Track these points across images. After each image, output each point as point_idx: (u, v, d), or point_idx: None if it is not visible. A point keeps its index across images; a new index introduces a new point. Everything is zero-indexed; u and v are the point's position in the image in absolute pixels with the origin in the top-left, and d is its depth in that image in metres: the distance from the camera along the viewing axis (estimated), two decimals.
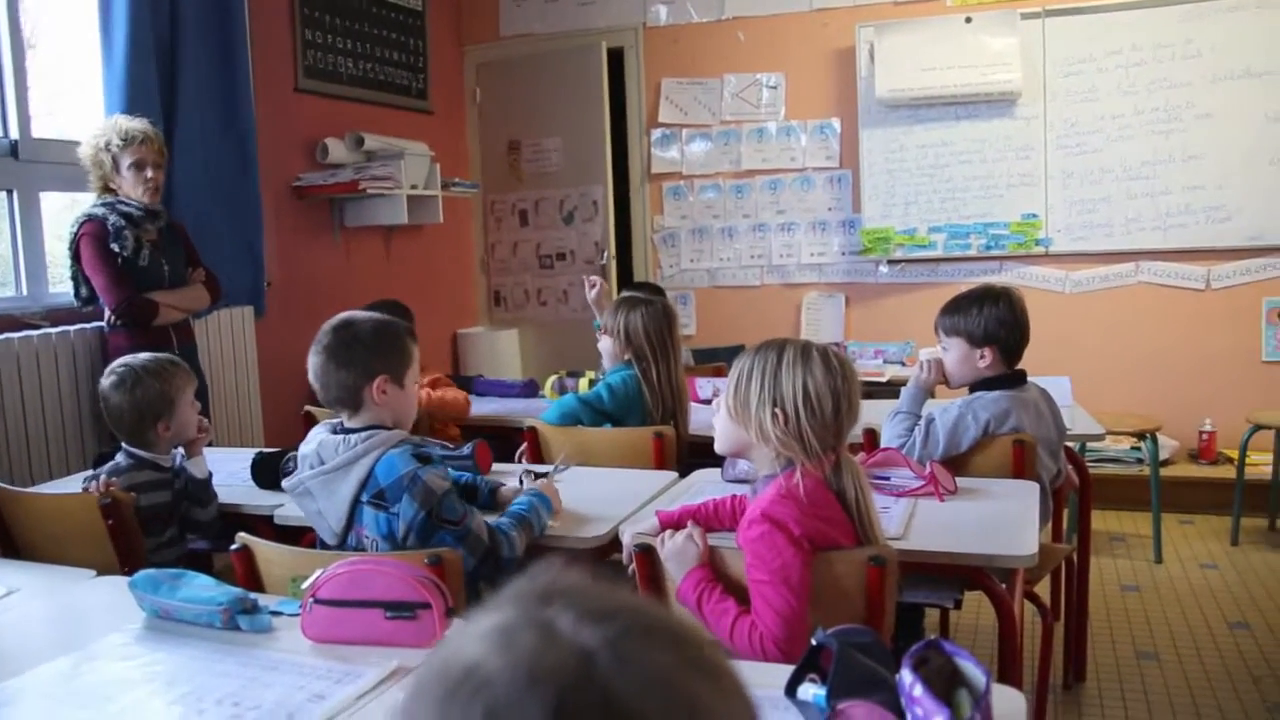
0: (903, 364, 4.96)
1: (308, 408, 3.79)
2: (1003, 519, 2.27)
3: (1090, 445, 4.90)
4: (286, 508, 2.59)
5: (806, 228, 5.76)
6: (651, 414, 3.29)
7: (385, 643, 1.68)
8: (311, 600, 1.74)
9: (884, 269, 5.62)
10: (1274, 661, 3.48)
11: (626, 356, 3.36)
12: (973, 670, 1.32)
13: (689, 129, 5.95)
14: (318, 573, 1.76)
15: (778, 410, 1.85)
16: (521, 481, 2.52)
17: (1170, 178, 5.14)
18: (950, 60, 5.30)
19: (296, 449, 2.57)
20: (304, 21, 5.01)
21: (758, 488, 1.94)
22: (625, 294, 3.68)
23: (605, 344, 3.41)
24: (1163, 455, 5.03)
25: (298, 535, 2.51)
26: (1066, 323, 5.33)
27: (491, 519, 2.19)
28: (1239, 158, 5.04)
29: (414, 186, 5.31)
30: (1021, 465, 2.67)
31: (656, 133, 6.00)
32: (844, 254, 5.69)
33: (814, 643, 1.42)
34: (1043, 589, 3.48)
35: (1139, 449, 4.96)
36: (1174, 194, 5.14)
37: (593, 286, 3.96)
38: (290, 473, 2.66)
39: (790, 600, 1.74)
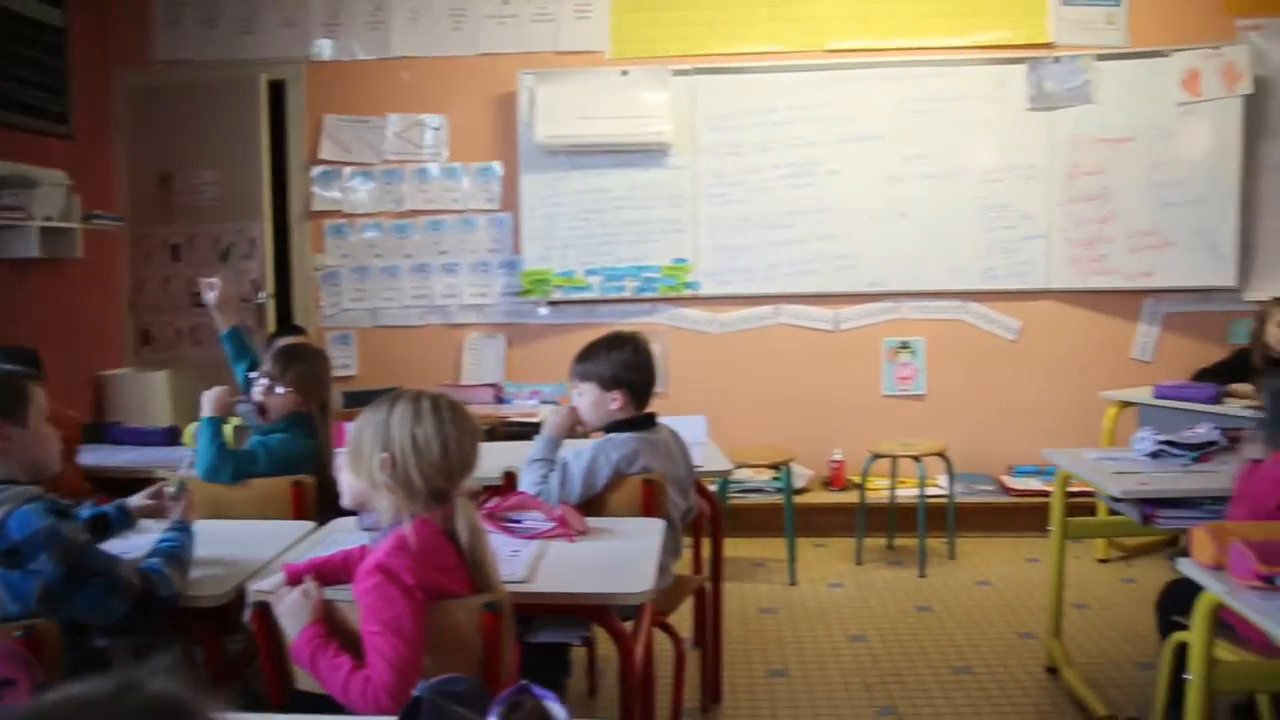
0: (556, 404, 5.11)
1: None
2: (626, 556, 2.40)
3: (734, 476, 5.24)
4: None
5: (468, 268, 5.83)
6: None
7: None
8: None
9: (543, 310, 5.78)
10: (884, 668, 3.84)
11: (304, 410, 3.28)
12: (558, 712, 1.40)
13: (351, 167, 5.88)
14: None
15: (385, 456, 1.90)
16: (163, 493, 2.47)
17: (805, 228, 5.61)
18: (607, 110, 5.54)
19: None
20: None
21: (377, 539, 1.97)
22: (290, 342, 3.58)
23: (281, 397, 3.29)
24: (799, 484, 5.46)
25: None
26: (715, 361, 5.70)
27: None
28: (862, 212, 5.58)
29: (49, 218, 4.95)
30: (651, 503, 2.82)
31: (318, 170, 5.89)
32: (505, 295, 5.80)
33: (414, 695, 1.47)
34: (686, 617, 3.69)
35: (779, 479, 5.34)
36: (808, 243, 5.61)
37: (211, 289, 3.84)
38: None
39: (403, 650, 1.77)
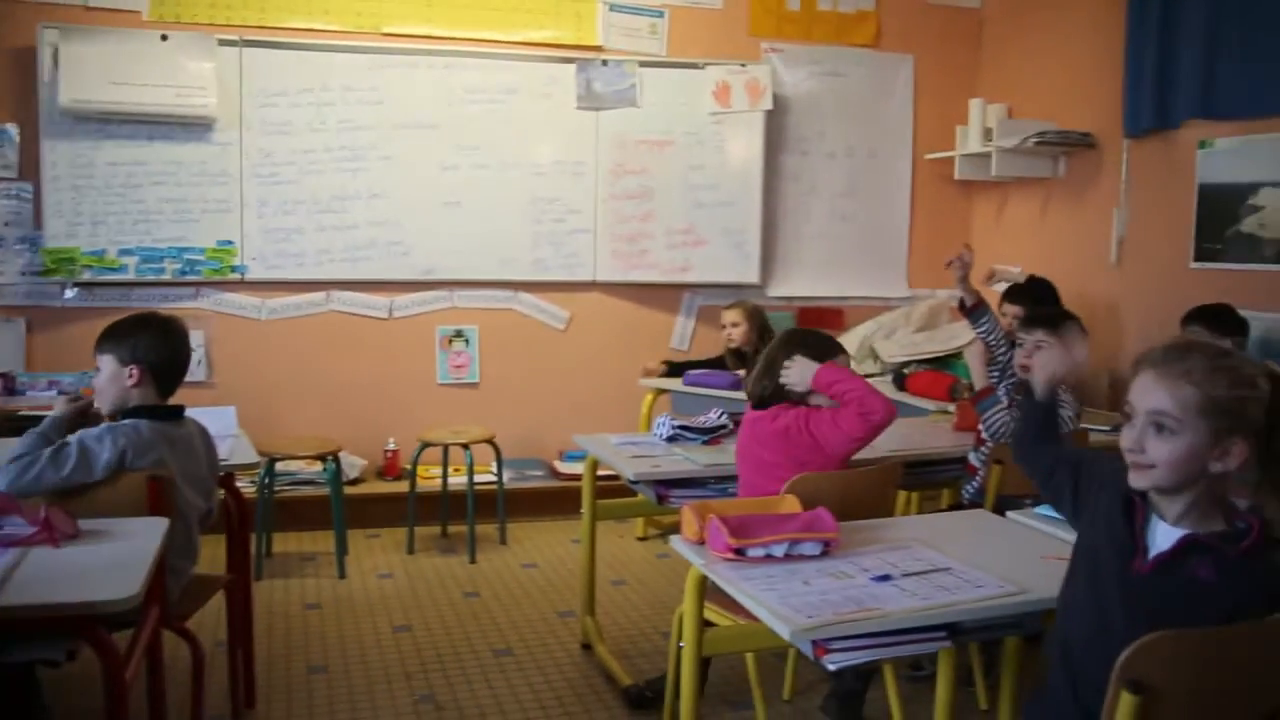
0: (80, 396, 4.67)
1: None
2: (117, 560, 2.23)
3: (283, 468, 5.06)
4: None
5: None
6: None
7: None
8: None
9: (70, 292, 5.25)
10: (426, 656, 3.87)
11: None
12: None
13: None
14: None
15: None
16: None
17: (357, 213, 5.50)
18: (144, 77, 5.13)
19: None
20: None
21: None
22: None
23: None
24: (352, 474, 5.37)
25: None
26: (263, 349, 5.46)
27: None
28: (416, 199, 5.57)
29: None
30: (157, 502, 2.64)
31: None
32: (24, 275, 5.20)
33: None
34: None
35: (327, 470, 5.22)
36: (361, 229, 5.51)
37: None
38: None
39: None
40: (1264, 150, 4.43)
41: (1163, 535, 1.83)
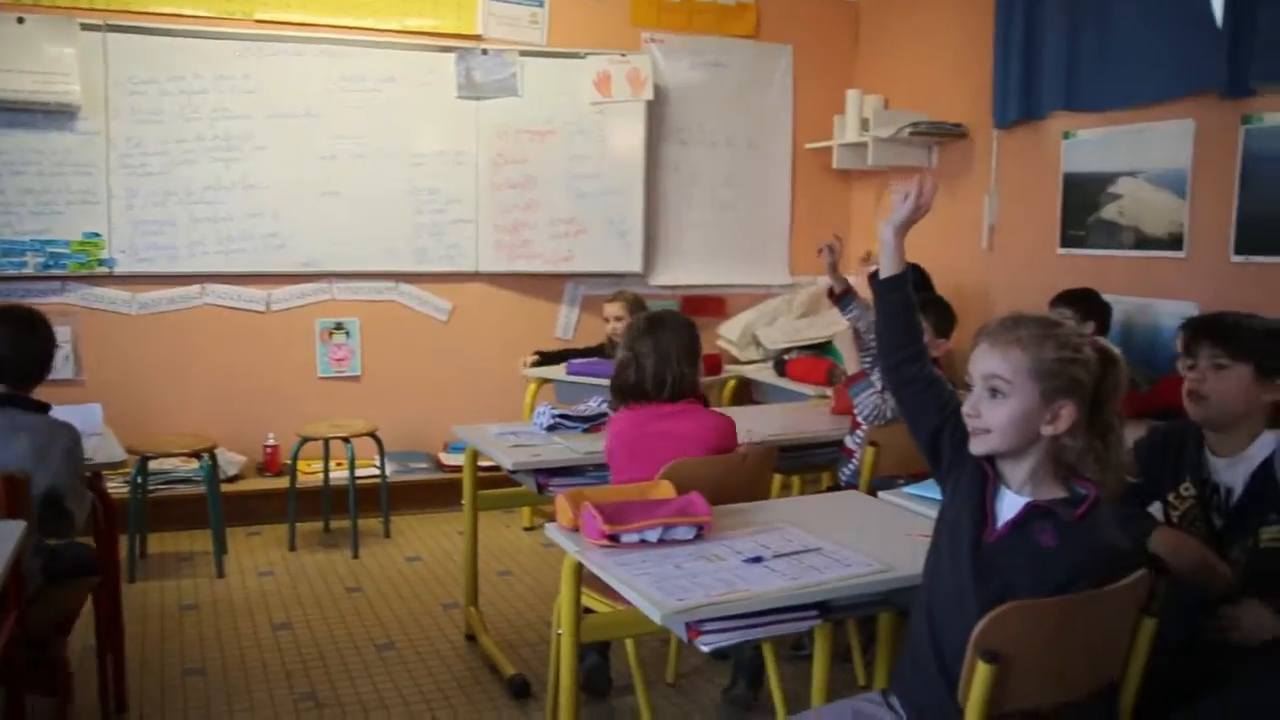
0: None
1: None
2: None
3: (158, 467, 4.91)
4: None
5: None
6: None
7: None
8: None
9: None
10: (308, 654, 3.81)
11: None
12: None
13: None
14: None
15: None
16: None
17: (232, 205, 5.36)
18: (1, 63, 4.93)
19: None
20: None
21: None
22: None
23: None
24: (231, 471, 5.25)
25: None
26: (135, 345, 5.29)
27: None
28: (294, 190, 5.45)
29: None
30: (15, 504, 2.55)
31: None
32: None
33: None
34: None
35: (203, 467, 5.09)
36: (236, 220, 5.38)
37: None
38: None
39: None
40: (1122, 141, 4.61)
41: (1008, 504, 1.91)
